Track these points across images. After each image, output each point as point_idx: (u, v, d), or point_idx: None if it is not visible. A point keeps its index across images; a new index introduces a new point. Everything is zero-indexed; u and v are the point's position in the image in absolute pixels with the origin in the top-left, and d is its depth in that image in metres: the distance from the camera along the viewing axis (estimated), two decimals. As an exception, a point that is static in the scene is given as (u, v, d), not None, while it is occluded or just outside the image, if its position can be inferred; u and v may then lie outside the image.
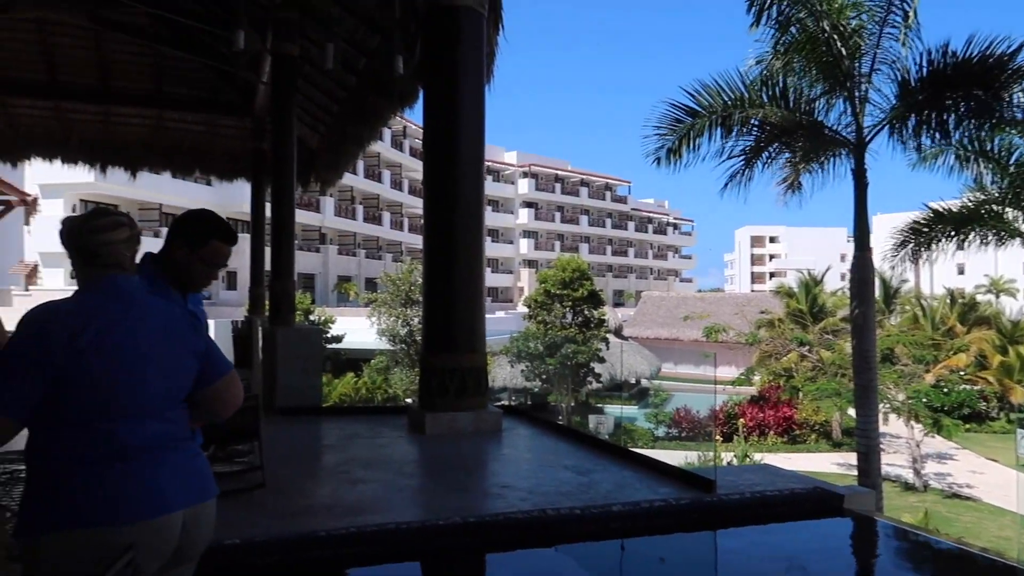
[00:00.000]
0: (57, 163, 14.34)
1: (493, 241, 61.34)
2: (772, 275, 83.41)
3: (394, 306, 26.40)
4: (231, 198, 34.86)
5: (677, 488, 4.21)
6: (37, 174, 22.32)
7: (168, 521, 1.90)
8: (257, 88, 11.62)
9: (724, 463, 18.54)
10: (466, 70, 6.90)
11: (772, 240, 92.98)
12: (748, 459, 20.71)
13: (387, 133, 47.75)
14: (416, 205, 53.46)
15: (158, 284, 2.44)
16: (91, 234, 2.01)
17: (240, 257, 33.72)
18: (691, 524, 3.89)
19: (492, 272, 60.99)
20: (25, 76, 12.38)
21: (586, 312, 29.09)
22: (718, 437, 25.70)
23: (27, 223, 21.87)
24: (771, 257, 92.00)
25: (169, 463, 1.95)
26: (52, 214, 30.55)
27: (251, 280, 13.77)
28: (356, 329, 27.66)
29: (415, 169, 53.21)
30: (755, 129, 12.88)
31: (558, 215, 68.31)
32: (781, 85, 12.43)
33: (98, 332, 1.89)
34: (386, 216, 51.35)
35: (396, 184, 52.78)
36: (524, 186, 66.00)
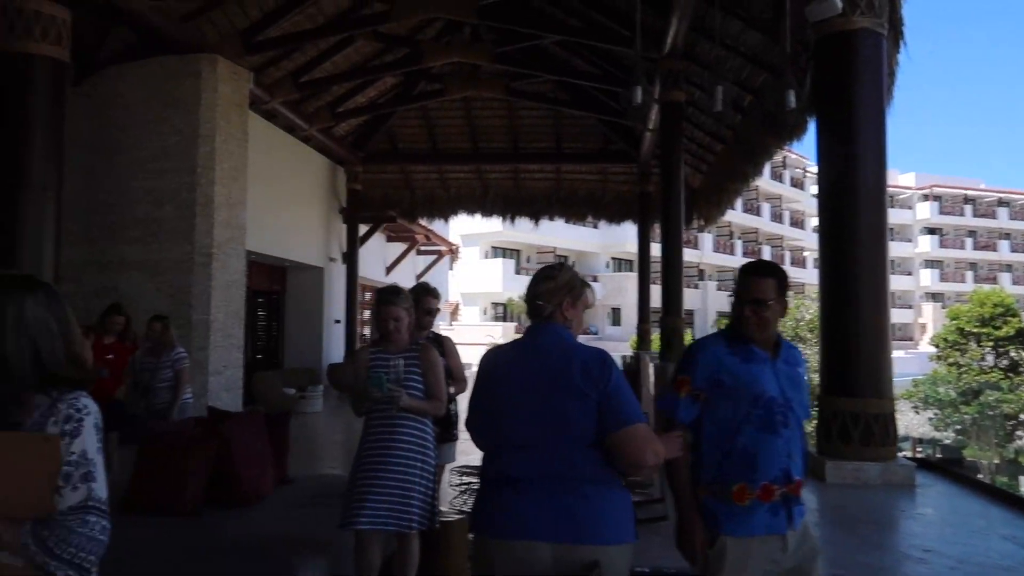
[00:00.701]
0: (476, 216, 16.70)
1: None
2: None
3: (778, 343, 25.43)
4: (614, 239, 36.94)
5: None
6: (458, 226, 26.25)
7: (526, 547, 2.00)
8: (644, 135, 12.28)
9: None
10: (864, 95, 6.52)
11: None
12: None
13: (766, 165, 46.46)
14: (797, 237, 50.91)
15: (734, 343, 2.41)
16: (528, 287, 2.37)
17: (624, 295, 35.46)
18: None
19: (888, 307, 55.11)
20: (456, 146, 14.82)
21: (1012, 354, 24.81)
22: None
23: (451, 268, 25.75)
24: None
25: (544, 496, 2.03)
26: (469, 260, 35.55)
27: (638, 317, 14.40)
28: (737, 366, 27.12)
29: (796, 200, 50.81)
30: None
31: (969, 241, 59.38)
32: None
33: (498, 370, 2.25)
34: (766, 250, 49.70)
35: (776, 217, 50.90)
36: (924, 210, 58.82)
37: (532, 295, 2.29)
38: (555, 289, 2.26)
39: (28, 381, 1.47)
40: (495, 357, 2.33)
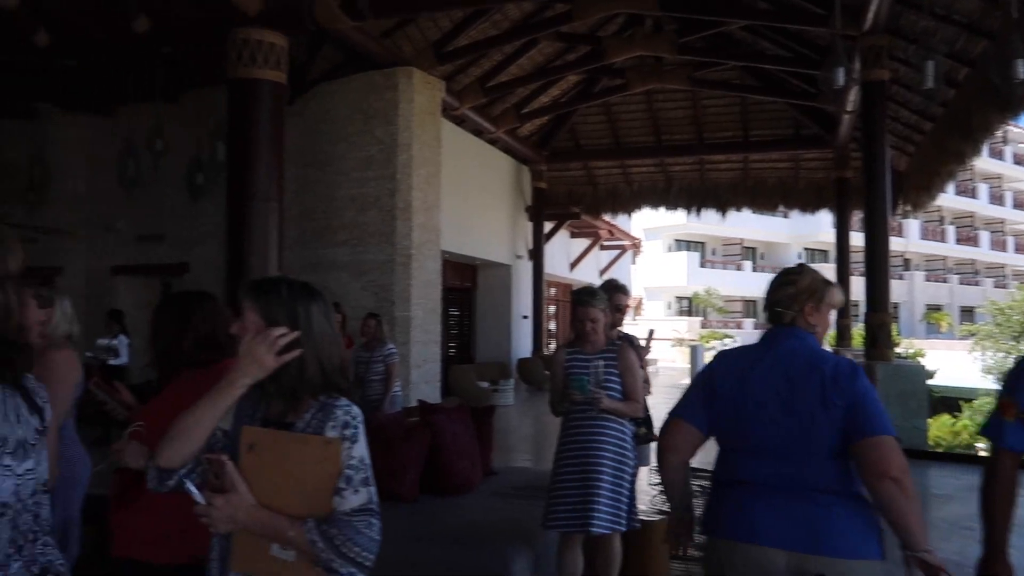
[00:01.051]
0: (659, 209, 16.46)
1: None
2: None
3: (1002, 339, 22.85)
4: (806, 228, 34.86)
5: None
6: (640, 219, 26.00)
7: (756, 552, 1.99)
8: (840, 118, 11.52)
9: None
10: (1112, 59, 5.73)
11: None
12: None
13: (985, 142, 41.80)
14: (1022, 221, 45.50)
15: None
16: (767, 292, 2.29)
17: (818, 287, 33.46)
18: None
19: None
20: (638, 140, 14.71)
21: None
22: None
23: (634, 262, 25.55)
24: None
25: (782, 503, 2.00)
26: (652, 253, 35.08)
27: (837, 310, 13.56)
28: (952, 364, 24.76)
29: (1020, 179, 45.39)
30: None
31: None
32: None
33: (735, 373, 2.17)
34: (984, 236, 44.86)
35: (996, 198, 45.72)
36: None
37: (771, 301, 2.23)
38: (795, 295, 2.19)
39: (316, 386, 1.55)
40: (730, 360, 2.28)
